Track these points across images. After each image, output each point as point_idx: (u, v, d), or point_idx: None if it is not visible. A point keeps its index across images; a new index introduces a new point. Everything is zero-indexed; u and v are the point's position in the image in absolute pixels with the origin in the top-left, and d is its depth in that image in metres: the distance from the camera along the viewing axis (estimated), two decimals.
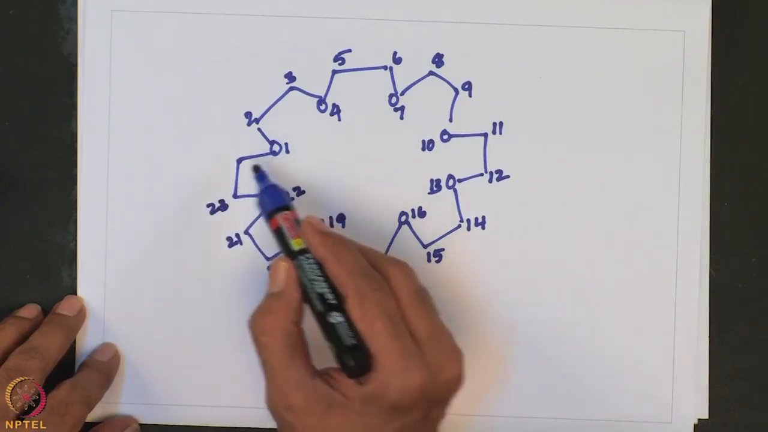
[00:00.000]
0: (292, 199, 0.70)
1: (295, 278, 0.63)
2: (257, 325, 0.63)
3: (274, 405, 0.62)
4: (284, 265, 0.64)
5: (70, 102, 0.71)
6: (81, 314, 0.70)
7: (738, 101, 0.71)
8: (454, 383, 0.62)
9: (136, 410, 0.71)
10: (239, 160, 0.70)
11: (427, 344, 0.61)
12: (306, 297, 0.63)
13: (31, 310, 0.70)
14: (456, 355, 0.62)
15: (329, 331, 0.62)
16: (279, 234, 0.65)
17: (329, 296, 0.62)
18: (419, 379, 0.60)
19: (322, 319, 0.62)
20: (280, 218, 0.65)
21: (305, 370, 0.62)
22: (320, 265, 0.63)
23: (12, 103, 0.71)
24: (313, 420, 0.61)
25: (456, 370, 0.62)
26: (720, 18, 0.71)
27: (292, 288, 0.63)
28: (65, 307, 0.69)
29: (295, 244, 0.64)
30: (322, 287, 0.62)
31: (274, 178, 0.69)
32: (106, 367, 0.69)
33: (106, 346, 0.70)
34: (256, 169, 0.69)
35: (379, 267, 0.63)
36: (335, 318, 0.62)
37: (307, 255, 0.63)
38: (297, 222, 0.65)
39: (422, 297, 0.62)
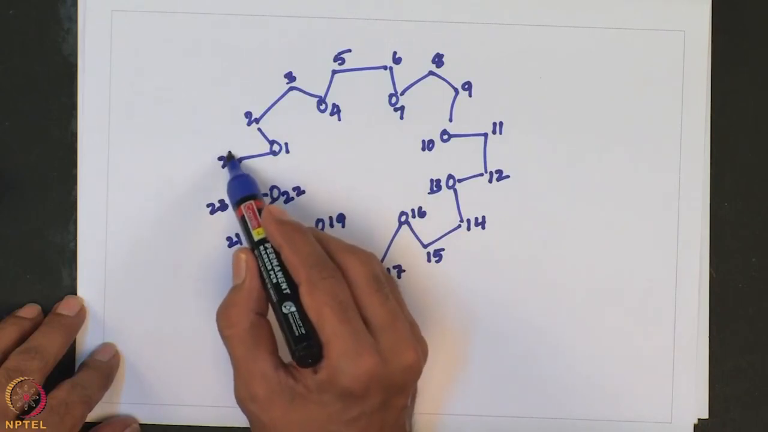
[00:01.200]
0: (291, 198, 0.70)
1: (255, 269, 0.63)
2: (221, 318, 0.63)
3: (240, 397, 0.62)
4: (243, 257, 0.64)
5: (70, 102, 0.71)
6: (81, 314, 0.70)
7: (738, 101, 0.71)
8: (410, 371, 0.61)
9: (136, 410, 0.71)
10: (239, 160, 0.70)
11: (380, 331, 0.61)
12: (264, 288, 0.63)
13: (31, 310, 0.69)
14: (410, 342, 0.61)
15: (282, 322, 0.62)
16: (243, 223, 0.65)
17: (283, 285, 0.62)
18: (369, 363, 0.59)
19: (276, 309, 0.62)
20: (244, 208, 0.65)
21: (270, 362, 0.62)
22: (278, 255, 0.63)
23: (12, 103, 0.71)
24: (277, 412, 0.61)
25: (410, 357, 0.61)
26: (720, 18, 0.71)
27: (251, 279, 0.63)
28: (65, 307, 0.69)
29: (256, 234, 0.64)
30: (277, 277, 0.62)
31: (245, 169, 0.69)
32: (106, 367, 0.69)
33: (106, 346, 0.70)
34: (229, 158, 0.69)
35: (337, 256, 0.63)
36: (287, 308, 0.61)
37: (266, 245, 0.63)
38: (260, 212, 0.65)
39: (378, 284, 0.62)
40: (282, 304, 0.62)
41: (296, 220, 0.65)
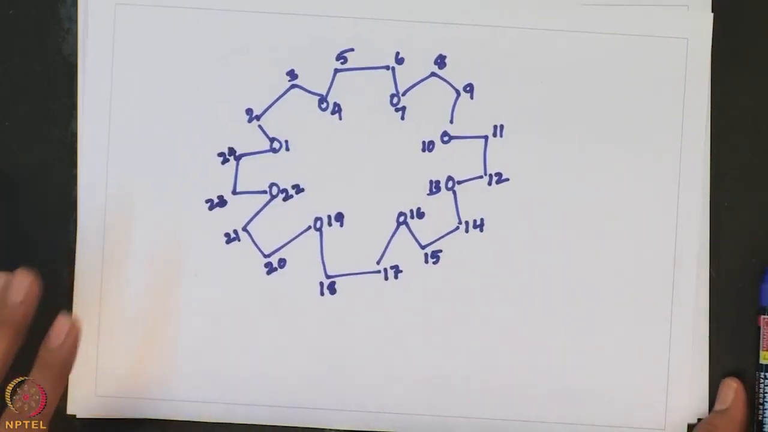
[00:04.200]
0: (291, 196, 0.70)
1: (744, 398, 0.64)
2: None
3: None
4: (734, 385, 0.66)
5: (70, 102, 0.71)
6: (28, 301, 0.63)
7: (738, 103, 0.71)
8: None
9: (132, 405, 0.71)
10: (239, 157, 0.70)
11: None
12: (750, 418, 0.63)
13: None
14: None
15: None
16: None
17: None
18: None
19: None
20: (763, 320, 0.65)
21: None
22: None
23: (12, 103, 0.71)
24: None
25: None
26: (722, 25, 0.71)
27: (737, 407, 0.64)
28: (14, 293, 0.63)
29: (763, 357, 0.64)
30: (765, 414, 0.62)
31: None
32: (60, 356, 0.64)
33: (59, 325, 0.64)
34: None
35: None
36: None
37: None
38: None
39: None
40: None
41: None
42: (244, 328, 0.70)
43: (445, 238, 0.71)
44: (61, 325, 0.64)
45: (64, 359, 0.64)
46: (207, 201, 0.71)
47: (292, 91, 0.70)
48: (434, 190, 0.71)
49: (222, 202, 0.70)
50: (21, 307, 0.63)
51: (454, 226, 0.71)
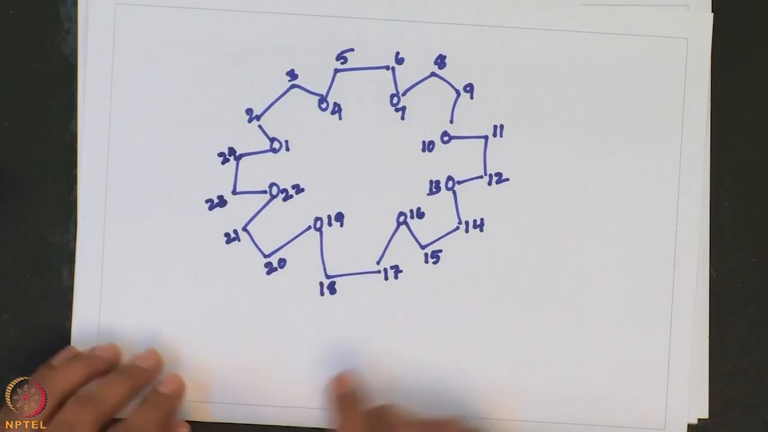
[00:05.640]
0: (291, 196, 0.71)
1: None
2: None
3: None
4: None
5: (70, 102, 0.71)
6: (156, 368, 0.69)
7: (738, 103, 0.72)
8: None
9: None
10: (239, 157, 0.70)
11: None
12: None
13: (107, 350, 0.69)
14: None
15: None
16: None
17: None
18: None
19: None
20: None
21: None
22: None
23: (12, 103, 0.71)
24: None
25: None
26: (722, 25, 0.71)
27: None
28: (140, 359, 0.69)
29: None
30: None
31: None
32: (136, 375, 0.68)
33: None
34: None
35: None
36: None
37: None
38: None
39: None
40: None
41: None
42: (244, 328, 0.70)
43: (445, 238, 0.71)
44: (172, 377, 0.69)
45: (141, 377, 0.68)
46: (207, 201, 0.70)
47: (292, 91, 0.70)
48: (434, 190, 0.71)
49: (222, 202, 0.70)
50: (166, 398, 0.68)
51: (454, 226, 0.71)
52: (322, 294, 0.71)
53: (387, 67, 0.70)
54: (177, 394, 0.68)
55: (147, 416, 0.65)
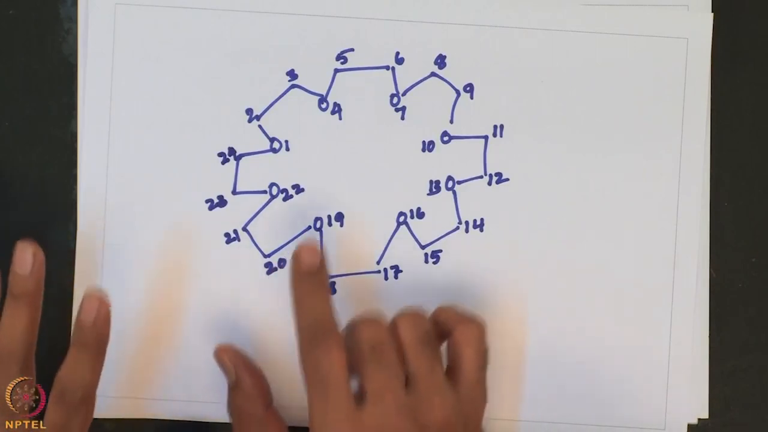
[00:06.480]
0: (291, 196, 0.70)
1: None
2: None
3: None
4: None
5: (70, 102, 0.71)
6: (36, 270, 0.64)
7: (738, 103, 0.72)
8: None
9: (132, 405, 0.71)
10: (239, 157, 0.70)
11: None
12: None
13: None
14: None
15: None
16: None
17: None
18: None
19: None
20: None
21: None
22: None
23: (12, 103, 0.71)
24: None
25: None
26: (722, 25, 0.71)
27: None
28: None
29: None
30: None
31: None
32: (94, 336, 0.65)
33: (88, 301, 0.65)
34: None
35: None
36: None
37: None
38: None
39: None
40: None
41: None
42: (244, 328, 0.70)
43: (445, 238, 0.71)
44: (90, 302, 0.65)
45: (100, 336, 0.65)
46: (207, 201, 0.70)
47: (292, 91, 0.70)
48: (434, 190, 0.71)
49: (222, 202, 0.70)
50: (31, 278, 0.64)
51: (454, 226, 0.71)
52: None
53: (387, 67, 0.70)
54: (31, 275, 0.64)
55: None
